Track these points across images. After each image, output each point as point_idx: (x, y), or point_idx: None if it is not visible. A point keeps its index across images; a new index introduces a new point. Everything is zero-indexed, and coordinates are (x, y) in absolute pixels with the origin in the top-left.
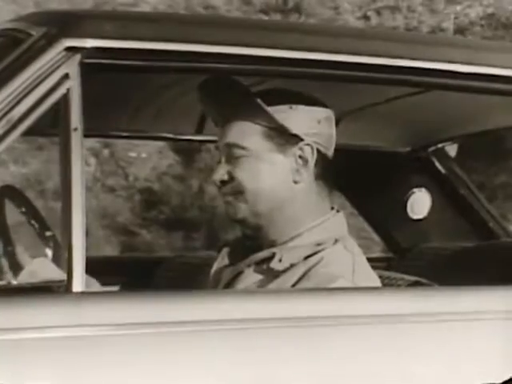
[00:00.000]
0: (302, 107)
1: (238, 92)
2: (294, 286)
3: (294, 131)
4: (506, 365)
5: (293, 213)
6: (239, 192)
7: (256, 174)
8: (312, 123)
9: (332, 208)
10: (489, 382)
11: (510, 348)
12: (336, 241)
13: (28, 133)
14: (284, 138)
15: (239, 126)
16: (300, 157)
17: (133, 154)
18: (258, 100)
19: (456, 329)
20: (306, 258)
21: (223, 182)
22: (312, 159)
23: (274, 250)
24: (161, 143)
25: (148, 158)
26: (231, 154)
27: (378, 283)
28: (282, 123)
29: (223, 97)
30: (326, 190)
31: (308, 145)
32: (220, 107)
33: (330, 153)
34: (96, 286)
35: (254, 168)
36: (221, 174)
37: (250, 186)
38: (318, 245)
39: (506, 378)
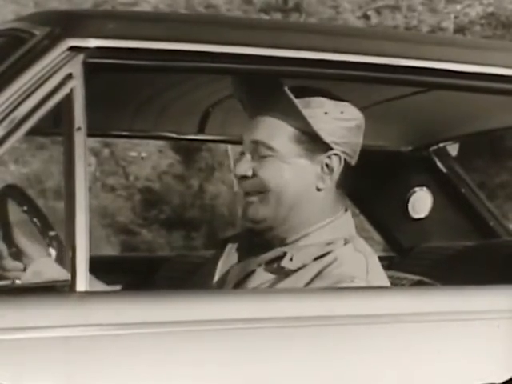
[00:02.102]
0: (336, 114)
1: (277, 89)
2: (306, 286)
3: (326, 139)
4: (508, 364)
5: (308, 215)
6: (261, 191)
7: (280, 176)
8: (343, 132)
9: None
10: (490, 381)
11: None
12: (346, 241)
13: (31, 132)
14: (314, 144)
15: (270, 123)
16: (326, 165)
17: (133, 154)
18: (296, 102)
19: (458, 328)
20: (318, 257)
21: (245, 177)
22: (338, 169)
23: (284, 249)
24: (161, 142)
25: (148, 158)
26: (257, 151)
27: (387, 283)
28: (317, 130)
29: (260, 90)
30: (343, 194)
31: (336, 155)
32: (254, 100)
33: (354, 161)
34: (100, 287)
35: (278, 170)
36: (244, 168)
37: (273, 187)
38: (328, 244)
39: (507, 377)
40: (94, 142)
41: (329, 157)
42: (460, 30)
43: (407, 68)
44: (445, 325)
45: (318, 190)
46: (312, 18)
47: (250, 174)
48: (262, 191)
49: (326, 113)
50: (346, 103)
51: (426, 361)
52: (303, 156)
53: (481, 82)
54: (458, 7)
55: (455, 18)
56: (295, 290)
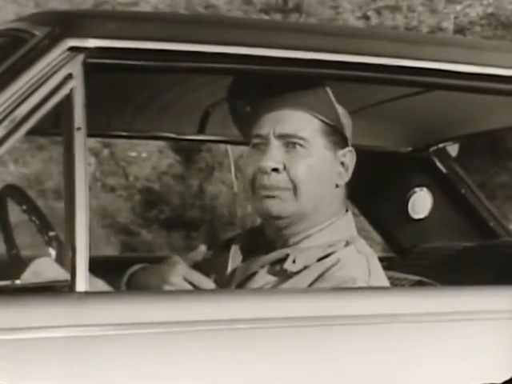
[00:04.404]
0: (342, 108)
1: (307, 81)
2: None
3: (346, 133)
4: (508, 364)
5: (324, 212)
6: (289, 186)
7: (309, 170)
8: (350, 129)
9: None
10: (490, 381)
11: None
12: (348, 243)
13: (31, 132)
14: (337, 137)
15: (295, 116)
16: (343, 162)
17: (133, 154)
18: (330, 93)
19: (458, 328)
20: (320, 259)
21: (274, 170)
22: (352, 165)
23: (287, 251)
24: (161, 143)
25: (148, 158)
26: (286, 145)
27: (388, 285)
28: (343, 122)
29: (281, 85)
30: (346, 195)
31: (351, 152)
32: (273, 96)
33: None
34: (101, 286)
35: (308, 163)
36: (275, 161)
37: (302, 181)
38: (330, 246)
39: (508, 377)
40: (94, 142)
41: (345, 154)
42: (460, 30)
43: (407, 68)
44: (444, 325)
45: (337, 186)
46: (312, 19)
47: (280, 166)
48: (291, 186)
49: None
50: None
51: (426, 361)
52: (328, 148)
53: (480, 82)
54: (458, 8)
55: (455, 18)
56: (295, 290)
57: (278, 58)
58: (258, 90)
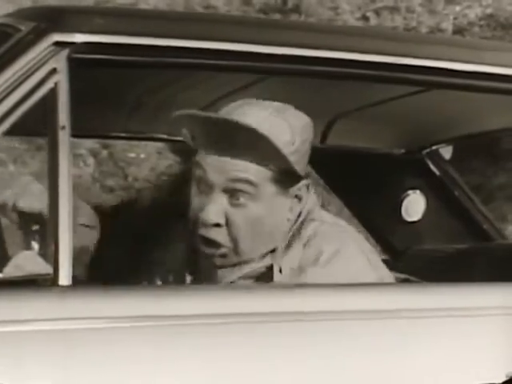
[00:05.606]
0: (300, 138)
1: (251, 132)
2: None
3: (300, 172)
4: (504, 361)
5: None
6: (230, 243)
7: (254, 223)
8: (306, 157)
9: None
10: (486, 378)
11: (508, 344)
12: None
13: (30, 134)
14: (290, 179)
15: (242, 165)
16: (297, 195)
17: (132, 155)
18: (276, 144)
19: (453, 325)
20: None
21: (216, 226)
22: (306, 197)
23: (268, 261)
24: (160, 144)
25: (147, 159)
26: (232, 194)
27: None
28: (294, 167)
29: (232, 134)
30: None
31: (305, 185)
32: (223, 142)
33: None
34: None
35: (253, 215)
36: (217, 216)
37: (244, 238)
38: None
39: (507, 377)
40: (93, 143)
41: (299, 188)
42: (459, 31)
43: (403, 67)
44: (440, 321)
45: (288, 220)
46: (311, 19)
47: (222, 222)
48: (231, 244)
49: (293, 143)
50: (293, 109)
51: (421, 358)
52: (279, 193)
53: (477, 81)
54: (457, 8)
55: (454, 19)
56: (293, 285)
57: (274, 55)
58: (208, 137)
